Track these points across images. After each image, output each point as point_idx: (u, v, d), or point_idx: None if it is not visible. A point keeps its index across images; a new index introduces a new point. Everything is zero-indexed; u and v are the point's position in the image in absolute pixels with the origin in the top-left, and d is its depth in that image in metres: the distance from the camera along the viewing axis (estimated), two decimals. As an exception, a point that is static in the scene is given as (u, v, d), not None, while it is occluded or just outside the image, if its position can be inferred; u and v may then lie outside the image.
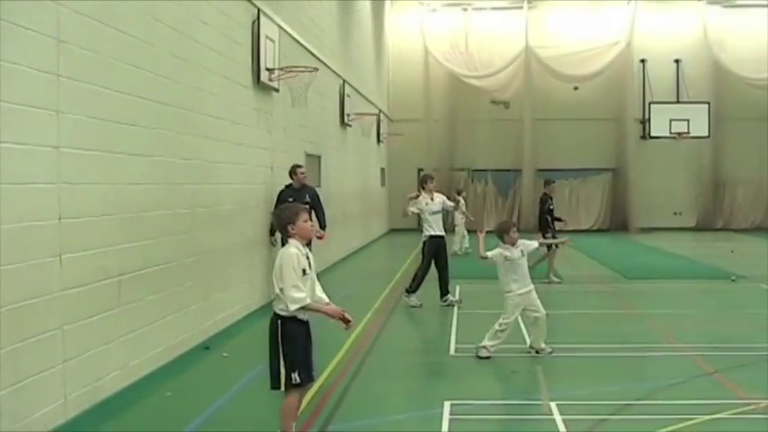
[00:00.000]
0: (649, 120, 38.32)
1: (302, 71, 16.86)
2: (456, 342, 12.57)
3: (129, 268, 9.67)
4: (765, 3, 38.19)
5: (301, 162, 18.52)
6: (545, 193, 20.10)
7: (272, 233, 15.58)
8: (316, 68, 17.44)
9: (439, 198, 16.26)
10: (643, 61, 39.09)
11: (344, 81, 25.71)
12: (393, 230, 38.31)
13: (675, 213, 39.46)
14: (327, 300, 7.44)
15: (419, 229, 17.60)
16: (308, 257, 7.19)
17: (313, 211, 15.01)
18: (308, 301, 7.04)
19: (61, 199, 8.10)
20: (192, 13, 12.12)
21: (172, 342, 11.03)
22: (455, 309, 15.50)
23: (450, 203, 16.68)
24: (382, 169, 36.86)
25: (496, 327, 11.32)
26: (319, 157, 21.87)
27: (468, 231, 27.24)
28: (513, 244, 11.52)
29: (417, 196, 16.35)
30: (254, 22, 15.20)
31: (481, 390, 9.85)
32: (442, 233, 16.18)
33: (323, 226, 15.80)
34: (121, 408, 8.97)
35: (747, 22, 38.39)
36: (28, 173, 7.54)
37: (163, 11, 10.90)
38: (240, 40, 14.57)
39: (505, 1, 39.18)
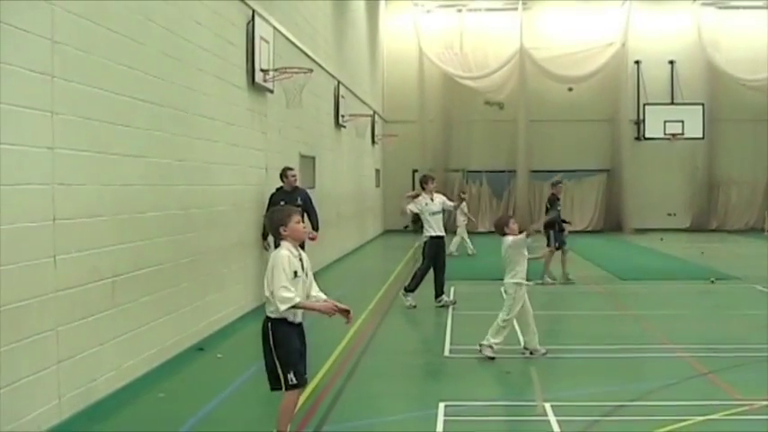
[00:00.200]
0: (644, 121, 38.41)
1: (297, 72, 16.86)
2: (451, 343, 12.56)
3: (124, 269, 9.66)
4: (759, 4, 38.32)
5: (296, 163, 18.54)
6: (553, 194, 20.13)
7: (264, 237, 15.56)
8: (310, 69, 17.45)
9: (439, 198, 16.29)
10: (637, 62, 39.15)
11: (339, 82, 25.71)
12: (388, 231, 38.31)
13: (670, 214, 39.52)
14: (325, 298, 7.42)
15: (415, 230, 17.64)
16: (300, 259, 7.17)
17: (305, 214, 15.00)
18: (298, 300, 7.01)
19: (55, 200, 8.09)
20: (186, 14, 12.12)
21: (166, 343, 11.02)
22: (450, 310, 15.50)
23: (451, 204, 16.68)
24: (377, 170, 36.87)
25: (500, 323, 11.29)
26: (314, 159, 21.86)
27: (468, 233, 27.31)
28: (516, 235, 11.44)
29: (417, 195, 16.36)
30: (248, 23, 15.19)
31: (476, 391, 9.85)
32: (443, 233, 16.21)
33: (315, 228, 15.69)
34: (115, 409, 8.96)
35: (741, 24, 38.49)
36: (22, 174, 7.52)
37: (156, 11, 10.89)
38: (234, 40, 14.56)
39: (500, 2, 39.19)
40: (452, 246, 26.05)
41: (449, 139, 39.53)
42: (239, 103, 14.86)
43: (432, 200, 16.11)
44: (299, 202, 15.24)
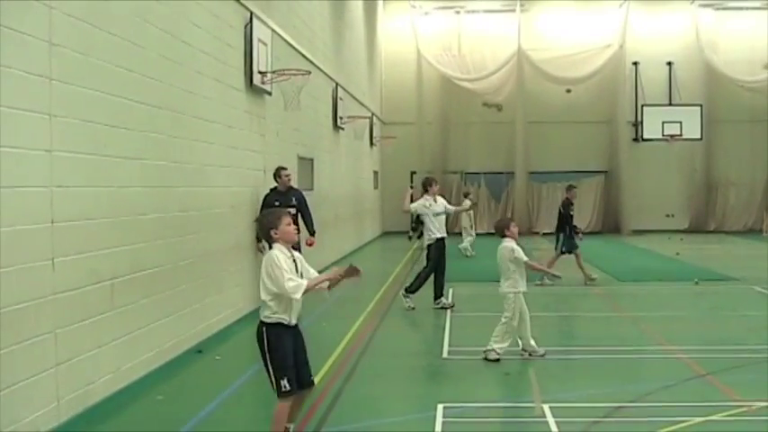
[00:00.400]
0: (642, 122, 38.40)
1: (295, 74, 16.86)
2: (449, 345, 12.56)
3: (122, 271, 9.66)
4: (757, 5, 38.37)
5: (294, 165, 18.53)
6: (567, 198, 20.22)
7: (258, 239, 15.45)
8: (308, 72, 17.45)
9: (441, 201, 16.36)
10: (635, 64, 39.16)
11: (337, 84, 25.71)
12: (386, 233, 38.31)
13: (668, 216, 39.52)
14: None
15: (419, 236, 17.67)
16: (294, 261, 7.15)
17: (300, 215, 14.91)
18: (305, 283, 7.01)
19: (54, 202, 8.09)
20: (184, 16, 12.12)
21: (164, 345, 11.02)
22: (448, 312, 15.49)
23: (452, 207, 16.84)
24: (375, 172, 36.86)
25: (505, 328, 11.30)
26: (312, 161, 21.86)
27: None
28: (515, 239, 11.49)
29: (412, 195, 16.39)
30: (246, 26, 15.19)
31: (474, 392, 9.85)
32: (445, 235, 16.25)
33: (311, 230, 15.48)
34: (114, 411, 8.96)
35: (739, 25, 38.54)
36: (21, 176, 7.52)
37: (154, 13, 10.88)
38: (233, 43, 14.56)
39: (498, 4, 39.19)
40: (469, 247, 26.15)
41: (447, 141, 39.53)
42: (237, 106, 14.86)
43: (435, 201, 16.15)
44: (294, 202, 15.07)
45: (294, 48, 19.30)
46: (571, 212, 19.95)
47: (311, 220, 15.53)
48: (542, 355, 11.41)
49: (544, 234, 37.15)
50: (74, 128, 8.54)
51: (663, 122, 37.58)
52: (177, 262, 11.57)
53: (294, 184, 16.18)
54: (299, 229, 14.73)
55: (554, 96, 38.82)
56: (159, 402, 9.46)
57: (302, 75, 17.00)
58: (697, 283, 19.48)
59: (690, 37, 38.88)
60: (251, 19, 15.27)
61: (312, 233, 15.38)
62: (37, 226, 7.81)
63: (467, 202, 28.15)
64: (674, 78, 39.13)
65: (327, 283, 7.29)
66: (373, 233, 35.87)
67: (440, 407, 8.88)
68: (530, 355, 11.43)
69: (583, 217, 38.85)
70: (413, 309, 15.77)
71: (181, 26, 11.96)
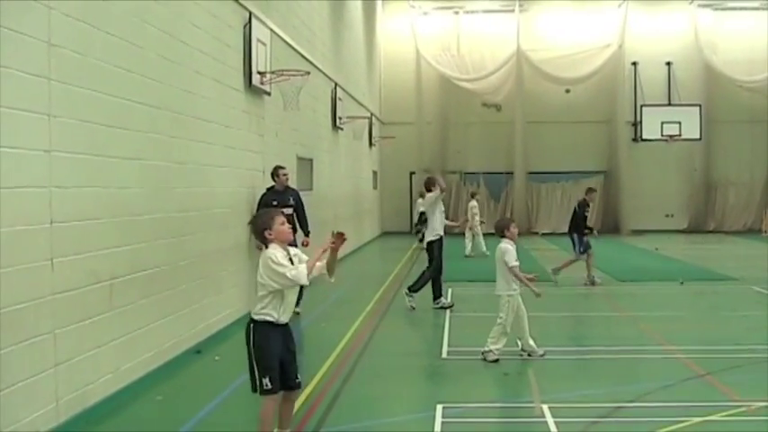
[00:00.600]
0: (641, 122, 38.42)
1: (294, 74, 16.84)
2: (448, 345, 12.57)
3: (121, 272, 9.66)
4: (756, 5, 38.39)
5: (293, 165, 18.51)
6: (584, 200, 20.30)
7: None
8: (307, 72, 17.43)
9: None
10: (634, 64, 39.17)
11: (336, 84, 25.71)
12: (385, 233, 38.32)
13: (667, 215, 39.53)
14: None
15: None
16: (291, 258, 7.11)
17: (295, 215, 14.83)
18: (304, 268, 6.98)
19: (53, 203, 8.08)
20: (182, 17, 12.11)
21: (163, 346, 11.01)
22: (447, 312, 15.49)
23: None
24: (374, 172, 36.86)
25: (501, 329, 11.30)
26: (311, 161, 21.86)
27: (463, 234, 27.40)
28: (514, 240, 11.51)
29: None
30: (245, 26, 15.19)
31: (473, 392, 9.86)
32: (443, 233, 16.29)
33: (306, 231, 15.30)
34: (112, 412, 8.96)
35: (738, 25, 38.56)
36: (19, 177, 7.51)
37: (153, 14, 10.88)
38: (231, 43, 14.55)
39: (497, 4, 39.20)
40: (483, 247, 26.20)
41: (446, 141, 39.54)
42: (236, 106, 14.85)
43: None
44: (291, 202, 14.97)
45: (293, 48, 19.30)
46: (586, 213, 20.01)
47: (306, 220, 15.38)
48: (542, 356, 11.41)
49: (543, 234, 37.29)
50: (72, 128, 8.53)
51: (662, 122, 37.60)
52: (176, 262, 11.57)
53: (292, 183, 16.08)
54: (296, 229, 14.76)
55: (553, 96, 38.85)
56: (158, 403, 9.47)
57: (301, 75, 16.99)
58: (682, 283, 19.47)
59: (689, 37, 38.91)
60: (250, 19, 15.27)
61: (307, 233, 15.28)
62: (36, 226, 7.81)
63: (473, 203, 28.28)
64: (673, 78, 39.14)
65: (325, 261, 7.23)
66: (372, 233, 35.87)
67: (439, 407, 8.88)
68: (529, 355, 11.43)
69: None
70: (414, 309, 15.77)
71: (180, 26, 11.95)
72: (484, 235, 27.41)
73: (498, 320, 11.33)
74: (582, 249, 19.69)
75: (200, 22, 12.90)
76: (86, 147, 8.86)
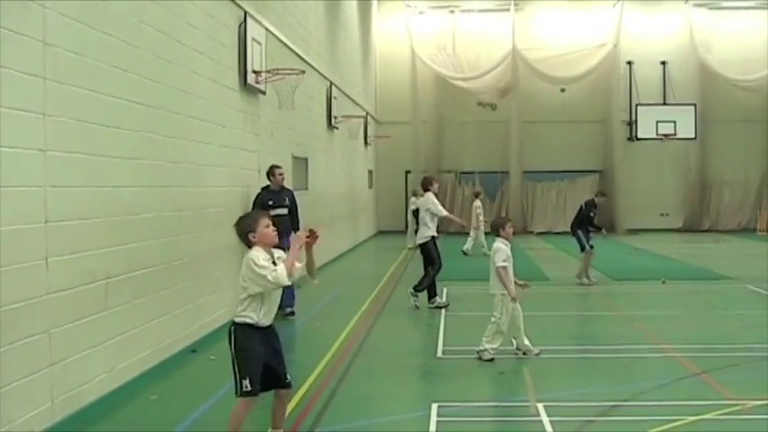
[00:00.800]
0: (636, 121, 38.45)
1: (289, 74, 16.85)
2: (444, 344, 12.57)
3: (116, 271, 9.65)
4: (751, 5, 38.44)
5: (288, 165, 18.49)
6: (593, 200, 20.40)
7: None
8: (303, 71, 17.44)
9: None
10: (630, 63, 39.20)
11: (331, 83, 25.71)
12: (381, 233, 38.33)
13: (662, 215, 39.57)
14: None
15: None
16: (274, 261, 7.04)
17: (290, 216, 14.77)
18: (282, 268, 6.89)
19: (48, 202, 8.08)
20: (177, 16, 12.10)
21: (159, 345, 11.01)
22: (443, 311, 15.50)
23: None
24: (370, 171, 36.87)
25: (495, 328, 11.30)
26: (306, 160, 21.85)
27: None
28: (509, 239, 11.52)
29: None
30: (240, 25, 15.18)
31: (469, 391, 9.86)
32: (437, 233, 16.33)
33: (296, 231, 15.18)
34: (108, 411, 8.95)
35: (733, 24, 38.60)
36: (14, 176, 7.50)
37: (148, 13, 10.87)
38: (227, 42, 14.55)
39: (492, 3, 39.21)
40: (484, 247, 26.22)
41: (441, 141, 39.52)
42: (231, 105, 14.84)
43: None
44: (287, 202, 14.86)
45: (288, 47, 19.29)
46: (592, 213, 20.04)
47: (298, 222, 15.14)
48: (537, 354, 11.42)
49: (539, 233, 37.32)
50: (68, 128, 8.53)
51: (657, 122, 37.62)
52: (172, 262, 11.56)
53: (287, 183, 15.98)
54: (290, 230, 14.70)
55: (548, 95, 38.86)
56: (153, 402, 9.46)
57: (296, 74, 16.99)
58: (664, 282, 19.46)
59: (684, 36, 38.94)
60: (245, 18, 15.26)
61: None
62: (31, 226, 7.80)
63: (477, 203, 28.31)
64: (668, 78, 39.18)
65: (304, 262, 7.17)
66: (368, 232, 35.87)
67: (434, 406, 8.88)
68: (524, 354, 11.44)
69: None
70: (418, 308, 15.78)
71: (175, 26, 11.94)
72: (486, 234, 27.41)
73: (492, 319, 11.33)
74: (591, 244, 19.68)
75: (196, 21, 12.90)
76: (82, 146, 8.85)
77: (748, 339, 12.55)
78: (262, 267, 6.89)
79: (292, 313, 14.59)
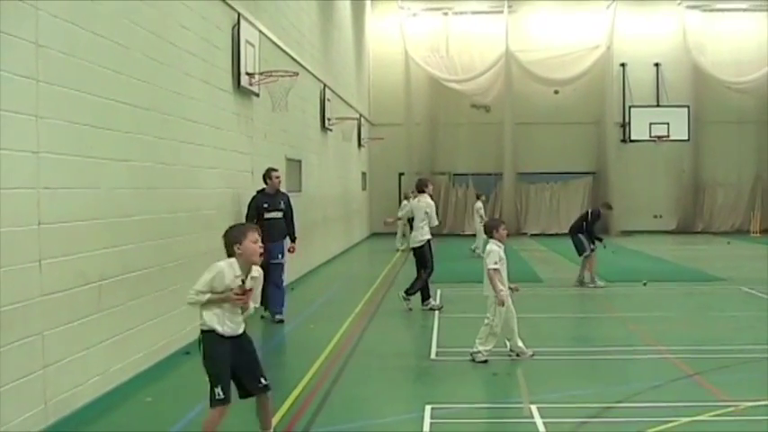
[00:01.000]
0: (629, 123, 38.50)
1: (282, 75, 16.84)
2: (437, 346, 12.57)
3: (110, 273, 9.64)
4: (744, 7, 38.54)
5: (282, 167, 18.48)
6: (599, 211, 20.44)
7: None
8: (296, 73, 17.43)
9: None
10: (623, 65, 39.27)
11: (325, 85, 25.70)
12: (374, 234, 38.30)
13: (656, 216, 39.64)
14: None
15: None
16: (243, 280, 6.98)
17: (284, 220, 14.75)
18: (199, 298, 6.99)
19: (41, 204, 8.06)
20: (171, 17, 12.08)
21: (153, 347, 10.99)
22: (436, 313, 15.50)
23: None
24: (363, 173, 36.87)
25: (488, 330, 11.29)
26: (300, 162, 21.84)
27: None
28: (502, 241, 11.52)
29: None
30: (234, 27, 15.17)
31: (462, 393, 9.87)
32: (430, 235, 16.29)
33: (293, 237, 15.12)
34: (102, 413, 8.94)
35: (727, 26, 38.71)
36: (7, 178, 7.48)
37: (141, 15, 10.85)
38: (220, 44, 14.53)
39: (486, 5, 39.25)
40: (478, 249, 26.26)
41: (435, 142, 39.56)
42: (225, 107, 14.83)
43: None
44: (282, 206, 14.79)
45: (282, 49, 19.29)
46: (596, 224, 20.05)
47: (293, 226, 15.16)
48: (531, 356, 11.43)
49: (532, 235, 37.35)
50: (60, 129, 8.51)
51: (650, 123, 37.70)
52: (165, 263, 11.54)
53: (282, 186, 15.92)
54: (286, 234, 14.68)
55: (542, 97, 38.94)
56: (148, 404, 9.45)
57: (290, 76, 16.99)
58: (645, 284, 19.45)
59: (677, 38, 39.03)
60: (238, 20, 15.26)
61: (293, 240, 15.18)
62: (24, 228, 7.78)
63: (478, 204, 28.32)
64: (661, 79, 39.26)
65: (240, 303, 7.12)
66: (361, 234, 35.88)
67: (428, 407, 8.88)
68: (518, 355, 11.45)
69: (571, 218, 38.84)
70: (411, 310, 15.78)
71: (168, 27, 11.93)
72: (472, 236, 27.45)
73: (486, 321, 11.33)
74: (593, 248, 19.67)
75: (189, 23, 12.88)
76: (74, 148, 8.84)
77: (742, 341, 12.58)
78: (201, 281, 7.04)
79: (281, 321, 14.56)
